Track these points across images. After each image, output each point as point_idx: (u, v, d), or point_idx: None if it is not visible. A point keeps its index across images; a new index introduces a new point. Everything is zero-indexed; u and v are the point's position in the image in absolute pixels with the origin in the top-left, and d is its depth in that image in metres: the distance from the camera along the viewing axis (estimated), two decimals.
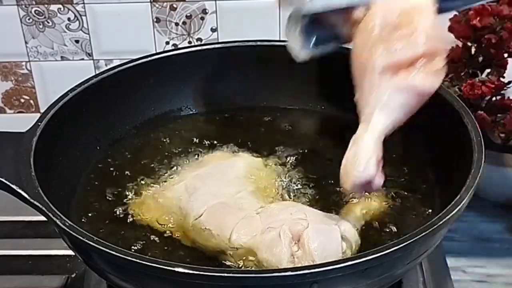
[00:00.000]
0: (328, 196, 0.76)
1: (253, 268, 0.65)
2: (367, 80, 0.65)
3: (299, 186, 0.77)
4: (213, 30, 1.11)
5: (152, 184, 0.78)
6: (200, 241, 0.69)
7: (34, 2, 1.09)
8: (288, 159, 0.82)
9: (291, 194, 0.76)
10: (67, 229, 0.62)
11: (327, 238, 0.65)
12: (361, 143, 0.64)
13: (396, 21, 0.65)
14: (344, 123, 0.87)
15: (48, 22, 1.11)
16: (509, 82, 1.00)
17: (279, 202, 0.73)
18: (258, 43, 0.92)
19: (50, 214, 0.64)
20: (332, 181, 0.76)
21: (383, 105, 0.65)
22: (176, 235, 0.71)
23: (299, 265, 0.63)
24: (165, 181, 0.78)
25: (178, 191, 0.74)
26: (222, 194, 0.72)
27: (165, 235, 0.71)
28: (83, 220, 0.74)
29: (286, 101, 0.93)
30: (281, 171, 0.79)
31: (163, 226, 0.72)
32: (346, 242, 0.66)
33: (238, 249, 0.66)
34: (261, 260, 0.65)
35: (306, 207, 0.72)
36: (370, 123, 0.65)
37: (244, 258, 0.66)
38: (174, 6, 1.09)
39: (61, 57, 1.14)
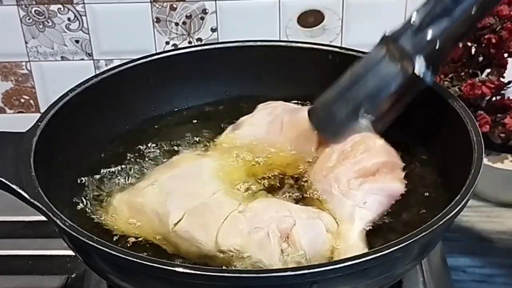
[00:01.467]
0: (300, 190, 0.75)
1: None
2: (336, 190, 0.72)
3: (270, 182, 0.77)
4: (213, 30, 1.11)
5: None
6: (183, 246, 0.68)
7: (34, 2, 1.09)
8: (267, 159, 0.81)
9: (264, 190, 0.75)
10: (67, 229, 0.62)
11: (315, 233, 0.67)
12: (351, 243, 0.69)
13: (349, 148, 0.75)
14: None
15: (48, 22, 1.11)
16: (509, 82, 1.00)
17: (260, 199, 0.72)
18: (258, 43, 0.92)
19: (50, 214, 0.64)
20: (304, 176, 0.77)
21: (361, 207, 0.71)
22: (157, 241, 0.69)
23: (290, 261, 0.64)
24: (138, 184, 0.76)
25: (152, 195, 0.72)
26: (199, 195, 0.71)
27: (144, 242, 0.69)
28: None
29: (285, 100, 0.93)
30: (254, 169, 0.79)
31: (140, 233, 0.70)
32: (329, 233, 0.68)
33: (225, 251, 0.66)
34: (251, 260, 0.64)
35: (287, 203, 0.71)
36: (354, 223, 0.70)
37: (231, 260, 0.65)
38: (174, 6, 1.09)
39: (61, 57, 1.14)
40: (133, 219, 0.72)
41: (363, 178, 0.73)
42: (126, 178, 0.79)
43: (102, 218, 0.73)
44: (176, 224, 0.69)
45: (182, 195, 0.71)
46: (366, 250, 0.66)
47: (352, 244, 0.68)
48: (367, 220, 0.71)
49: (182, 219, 0.69)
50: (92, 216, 0.73)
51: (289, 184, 0.76)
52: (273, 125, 0.83)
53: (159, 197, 0.72)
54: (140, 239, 0.70)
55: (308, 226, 0.66)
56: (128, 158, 0.83)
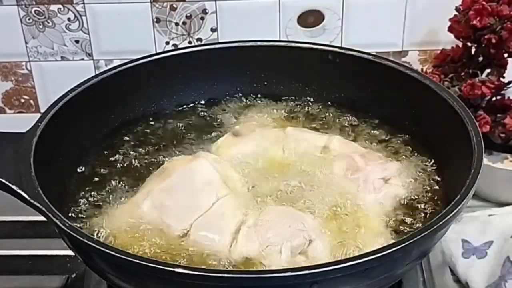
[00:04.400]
0: (293, 189, 0.75)
1: None
2: (362, 186, 0.76)
3: (263, 181, 0.76)
4: (213, 30, 1.11)
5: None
6: (193, 258, 0.67)
7: (34, 2, 1.09)
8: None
9: (260, 190, 0.75)
10: (67, 230, 0.62)
11: (327, 243, 0.68)
12: (377, 231, 0.72)
13: (367, 155, 0.80)
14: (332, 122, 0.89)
15: (48, 22, 1.11)
16: (509, 82, 1.00)
17: (269, 209, 0.71)
18: (258, 43, 0.92)
19: (50, 214, 0.64)
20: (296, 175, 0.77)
21: (380, 205, 0.75)
22: (161, 256, 0.68)
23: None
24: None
25: (148, 210, 0.71)
26: (197, 207, 0.70)
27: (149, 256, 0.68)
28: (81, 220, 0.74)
29: (286, 100, 0.93)
30: (254, 174, 0.78)
31: (142, 248, 0.69)
32: None
33: (238, 264, 0.66)
34: None
35: (296, 212, 0.71)
36: (378, 217, 0.73)
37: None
38: (174, 6, 1.09)
39: (61, 57, 1.14)
40: (133, 235, 0.70)
41: (384, 181, 0.76)
42: (126, 178, 0.79)
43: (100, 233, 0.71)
44: (182, 238, 0.68)
45: (180, 208, 0.70)
46: (392, 239, 0.69)
47: (379, 232, 0.70)
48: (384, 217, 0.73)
49: (190, 233, 0.68)
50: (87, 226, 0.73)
51: (293, 186, 0.76)
52: (278, 133, 0.84)
53: (154, 211, 0.71)
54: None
55: (323, 240, 0.68)
56: (128, 158, 0.83)
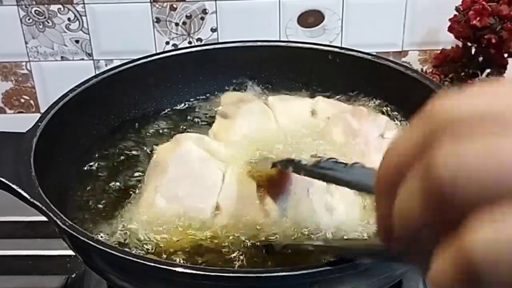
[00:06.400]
0: None
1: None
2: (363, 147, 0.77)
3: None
4: (213, 30, 1.11)
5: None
6: (227, 234, 0.67)
7: (34, 2, 1.09)
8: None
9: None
10: (68, 229, 0.62)
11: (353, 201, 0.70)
12: None
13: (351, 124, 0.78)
14: None
15: (48, 22, 1.11)
16: None
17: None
18: (258, 43, 0.92)
19: (50, 214, 0.64)
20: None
21: None
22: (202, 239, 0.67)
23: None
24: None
25: (163, 204, 0.70)
26: (208, 188, 0.70)
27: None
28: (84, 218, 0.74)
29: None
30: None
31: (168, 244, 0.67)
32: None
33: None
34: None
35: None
36: None
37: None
38: (174, 6, 1.09)
39: (61, 57, 1.14)
40: (162, 229, 0.69)
41: (381, 137, 0.77)
42: (126, 178, 0.79)
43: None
44: (214, 215, 0.68)
45: (193, 194, 0.70)
46: None
47: None
48: None
49: (220, 208, 0.68)
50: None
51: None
52: (262, 105, 0.84)
53: (173, 204, 0.70)
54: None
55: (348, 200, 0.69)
56: (128, 158, 0.83)
